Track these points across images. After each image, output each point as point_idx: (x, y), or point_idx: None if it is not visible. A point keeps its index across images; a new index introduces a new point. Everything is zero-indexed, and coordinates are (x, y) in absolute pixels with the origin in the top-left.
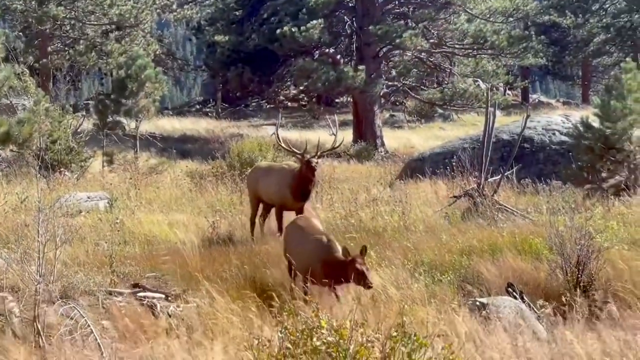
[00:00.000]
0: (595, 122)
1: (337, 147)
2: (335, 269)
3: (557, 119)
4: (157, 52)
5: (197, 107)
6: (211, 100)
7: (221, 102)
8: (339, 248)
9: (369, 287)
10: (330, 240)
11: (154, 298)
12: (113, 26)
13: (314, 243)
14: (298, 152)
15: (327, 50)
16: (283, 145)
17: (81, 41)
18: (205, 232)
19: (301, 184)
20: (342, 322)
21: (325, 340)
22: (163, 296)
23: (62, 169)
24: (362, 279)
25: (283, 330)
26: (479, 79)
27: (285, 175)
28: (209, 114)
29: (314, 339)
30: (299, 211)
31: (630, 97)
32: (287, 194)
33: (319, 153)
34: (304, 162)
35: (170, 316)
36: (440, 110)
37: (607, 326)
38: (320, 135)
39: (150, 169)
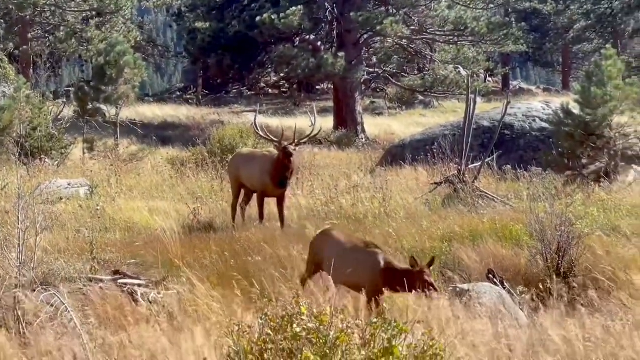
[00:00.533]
0: (576, 109)
1: (315, 135)
2: (398, 277)
3: (537, 105)
4: (138, 39)
5: (178, 94)
6: (192, 87)
7: (202, 88)
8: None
9: (433, 298)
10: (380, 248)
11: (134, 285)
12: (93, 13)
13: (367, 254)
14: (275, 139)
15: (307, 37)
16: (261, 133)
17: (62, 28)
18: (186, 218)
19: (279, 171)
20: (323, 308)
21: (305, 327)
22: (144, 283)
23: (42, 156)
24: (428, 289)
25: (263, 316)
26: (459, 66)
27: (266, 162)
28: (190, 100)
29: (295, 326)
30: (280, 198)
31: (611, 84)
32: (268, 180)
33: (296, 141)
34: (281, 149)
35: (151, 303)
36: (420, 97)
37: (586, 312)
38: (300, 122)
39: (130, 156)
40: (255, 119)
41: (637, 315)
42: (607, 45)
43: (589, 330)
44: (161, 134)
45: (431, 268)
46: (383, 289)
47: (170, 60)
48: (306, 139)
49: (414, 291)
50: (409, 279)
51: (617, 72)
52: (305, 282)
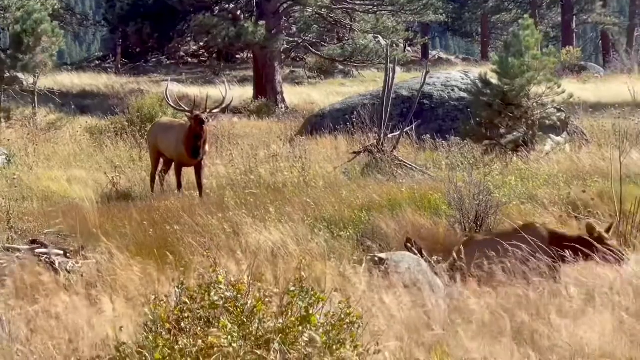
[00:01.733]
0: (494, 79)
1: (227, 106)
2: (569, 246)
3: (456, 75)
4: (56, 7)
5: (97, 62)
6: (111, 55)
7: (121, 57)
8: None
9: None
10: (535, 224)
11: (52, 254)
12: None
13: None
14: (187, 109)
15: (227, 5)
16: (172, 104)
17: None
18: (104, 188)
19: (191, 140)
20: (240, 277)
21: (223, 296)
22: (62, 252)
23: None
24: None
25: (180, 285)
26: (379, 36)
27: (182, 131)
28: (109, 69)
29: (212, 294)
30: (198, 167)
31: (528, 54)
32: (183, 150)
33: (208, 110)
34: (193, 117)
35: (69, 272)
36: (340, 67)
37: (503, 280)
38: (219, 92)
39: (48, 125)
40: (166, 89)
41: (553, 284)
42: (525, 16)
43: (507, 299)
44: (80, 103)
45: (610, 233)
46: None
47: (89, 29)
48: (218, 109)
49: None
50: (585, 246)
51: (535, 42)
52: None
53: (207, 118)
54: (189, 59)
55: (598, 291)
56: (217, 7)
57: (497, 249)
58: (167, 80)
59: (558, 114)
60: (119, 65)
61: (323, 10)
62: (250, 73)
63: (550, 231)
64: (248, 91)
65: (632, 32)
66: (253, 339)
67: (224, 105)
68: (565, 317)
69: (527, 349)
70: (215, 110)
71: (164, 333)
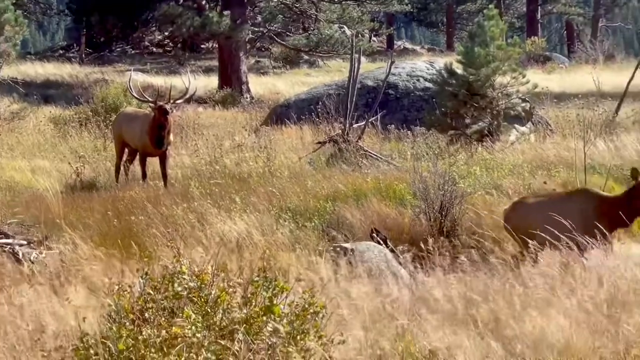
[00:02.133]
0: (459, 69)
1: (191, 97)
2: (618, 207)
3: (421, 65)
4: None
5: (61, 52)
6: (75, 45)
7: (85, 47)
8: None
9: None
10: (584, 188)
11: (15, 244)
12: None
13: (576, 200)
14: (150, 99)
15: None
16: (135, 95)
17: None
18: (68, 178)
19: (155, 130)
20: (204, 267)
21: (186, 286)
22: (25, 243)
23: None
24: None
25: (144, 275)
26: (344, 26)
27: (146, 121)
28: (73, 59)
29: (176, 285)
30: (162, 157)
31: (493, 44)
32: (147, 140)
33: (172, 100)
34: (156, 108)
35: (32, 263)
36: (306, 57)
37: (468, 271)
38: (182, 82)
39: (12, 115)
40: (129, 79)
41: (518, 273)
42: (490, 6)
43: (471, 289)
44: (44, 93)
45: None
46: (606, 223)
47: (53, 18)
48: (182, 99)
49: None
50: (629, 200)
51: (500, 33)
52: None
53: (171, 108)
54: (154, 49)
55: (562, 281)
56: None
57: (548, 213)
58: (131, 70)
59: (523, 104)
60: (83, 55)
61: (288, 0)
62: (215, 63)
63: (600, 197)
64: (213, 81)
65: (596, 23)
66: (217, 329)
67: (187, 96)
68: (530, 307)
69: (490, 339)
70: (179, 101)
71: (127, 323)
